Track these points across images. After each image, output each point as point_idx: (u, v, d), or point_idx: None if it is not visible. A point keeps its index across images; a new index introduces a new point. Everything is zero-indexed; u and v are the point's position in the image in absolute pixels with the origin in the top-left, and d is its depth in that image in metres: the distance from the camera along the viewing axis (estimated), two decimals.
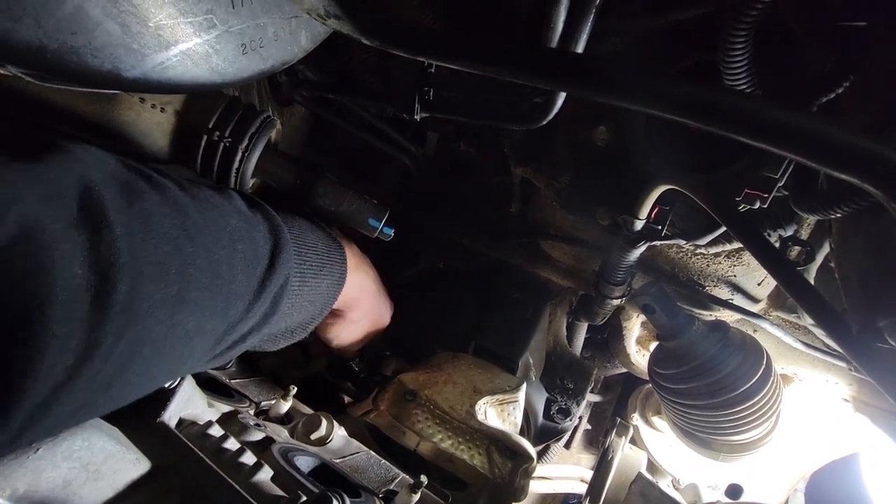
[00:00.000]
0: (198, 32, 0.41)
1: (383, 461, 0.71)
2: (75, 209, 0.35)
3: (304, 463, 0.59)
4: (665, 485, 1.07)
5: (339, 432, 0.71)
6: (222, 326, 0.47)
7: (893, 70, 0.36)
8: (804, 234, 0.66)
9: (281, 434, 0.65)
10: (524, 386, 0.84)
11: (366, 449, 0.72)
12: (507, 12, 0.66)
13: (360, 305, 0.76)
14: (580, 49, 0.41)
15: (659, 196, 0.63)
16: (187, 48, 0.41)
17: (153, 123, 0.57)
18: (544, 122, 0.54)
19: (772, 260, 0.41)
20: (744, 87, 0.45)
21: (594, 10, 0.39)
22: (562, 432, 0.98)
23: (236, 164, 0.59)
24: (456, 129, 0.97)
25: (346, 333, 0.78)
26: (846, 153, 0.27)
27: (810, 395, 0.90)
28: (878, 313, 0.34)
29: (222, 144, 0.58)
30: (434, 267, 1.21)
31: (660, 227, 0.67)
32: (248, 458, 0.51)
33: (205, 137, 0.58)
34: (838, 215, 0.39)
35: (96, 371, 0.36)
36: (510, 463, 0.75)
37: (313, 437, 0.68)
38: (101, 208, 0.36)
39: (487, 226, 1.01)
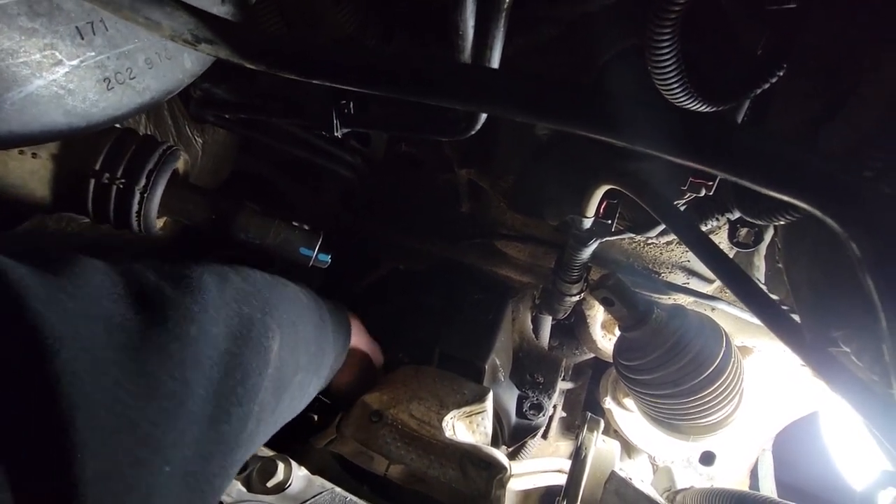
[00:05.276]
0: (37, 73, 0.34)
1: (349, 497, 0.67)
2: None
3: None
4: (642, 461, 1.09)
5: (300, 473, 0.67)
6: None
7: (828, 57, 0.33)
8: None
9: (232, 491, 0.61)
10: (490, 394, 0.82)
11: (330, 486, 0.68)
12: (435, 13, 0.60)
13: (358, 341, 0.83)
14: (495, 59, 0.36)
15: (605, 192, 0.60)
16: (27, 93, 0.34)
17: (26, 172, 0.49)
18: (472, 132, 0.49)
19: (718, 263, 0.39)
20: (671, 77, 0.41)
21: (504, 13, 0.34)
22: (536, 428, 0.97)
23: (135, 208, 0.52)
24: None
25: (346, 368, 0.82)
26: (777, 171, 0.24)
27: (770, 364, 0.92)
28: (833, 324, 0.32)
29: (115, 187, 0.51)
30: (395, 270, 1.16)
31: (609, 222, 0.65)
32: None
33: (92, 181, 0.50)
34: (782, 223, 0.37)
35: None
36: (484, 473, 0.73)
37: (270, 484, 0.64)
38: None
39: (441, 227, 0.97)
